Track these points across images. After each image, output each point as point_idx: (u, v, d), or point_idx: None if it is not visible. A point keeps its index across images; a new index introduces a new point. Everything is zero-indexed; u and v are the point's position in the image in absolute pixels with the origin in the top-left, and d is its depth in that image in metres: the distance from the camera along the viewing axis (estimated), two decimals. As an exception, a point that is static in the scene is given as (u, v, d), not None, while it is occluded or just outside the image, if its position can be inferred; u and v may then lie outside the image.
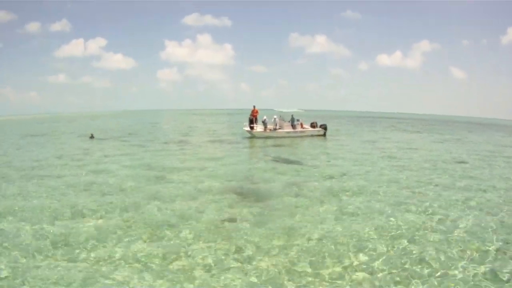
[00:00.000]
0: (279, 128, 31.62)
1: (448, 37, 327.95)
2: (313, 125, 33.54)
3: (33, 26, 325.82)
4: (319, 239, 7.86)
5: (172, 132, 39.65)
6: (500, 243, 7.69)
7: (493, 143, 31.43)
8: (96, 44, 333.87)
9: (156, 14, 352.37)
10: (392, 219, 9.19)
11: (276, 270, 6.51)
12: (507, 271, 6.47)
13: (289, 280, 6.19)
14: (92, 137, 31.18)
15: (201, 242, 7.74)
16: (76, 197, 11.36)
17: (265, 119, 31.63)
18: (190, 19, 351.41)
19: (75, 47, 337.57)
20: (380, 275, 6.38)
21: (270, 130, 31.36)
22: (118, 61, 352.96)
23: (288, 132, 31.47)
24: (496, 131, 50.33)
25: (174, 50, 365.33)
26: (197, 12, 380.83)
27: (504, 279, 6.21)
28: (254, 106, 32.00)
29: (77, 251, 7.31)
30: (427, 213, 9.86)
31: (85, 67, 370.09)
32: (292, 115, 32.74)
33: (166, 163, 17.81)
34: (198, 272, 6.45)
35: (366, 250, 7.33)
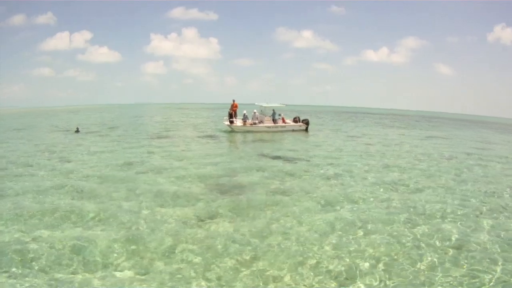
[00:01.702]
0: (260, 123, 31.43)
1: (434, 34, 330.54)
2: (295, 120, 33.52)
3: (18, 19, 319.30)
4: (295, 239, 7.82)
5: (154, 126, 39.24)
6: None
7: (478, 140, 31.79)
8: (82, 37, 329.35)
9: (142, 8, 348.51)
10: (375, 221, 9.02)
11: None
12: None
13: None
14: (77, 131, 30.64)
15: (176, 241, 7.63)
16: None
17: (245, 113, 31.48)
18: (176, 13, 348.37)
19: (60, 40, 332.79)
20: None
21: (250, 124, 31.13)
22: (103, 54, 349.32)
23: (268, 127, 31.40)
24: (482, 128, 50.85)
25: (160, 44, 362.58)
26: (183, 6, 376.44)
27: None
28: (233, 100, 31.90)
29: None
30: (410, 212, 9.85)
31: (70, 61, 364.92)
32: (273, 110, 32.61)
33: (144, 158, 17.74)
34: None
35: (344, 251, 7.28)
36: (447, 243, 7.68)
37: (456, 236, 8.00)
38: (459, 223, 8.94)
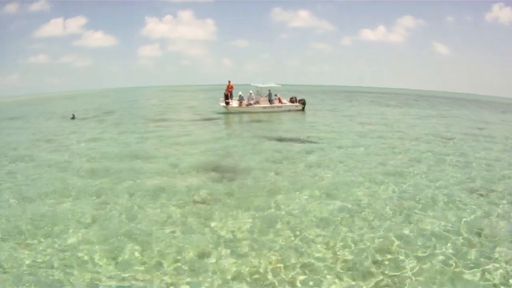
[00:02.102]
0: (256, 103, 31.29)
1: (432, 13, 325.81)
2: (292, 100, 33.31)
3: (11, 7, 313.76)
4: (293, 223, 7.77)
5: (150, 110, 39.10)
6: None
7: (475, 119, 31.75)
8: (76, 23, 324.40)
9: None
10: (368, 197, 9.19)
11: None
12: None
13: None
14: (73, 117, 30.51)
15: (170, 225, 7.72)
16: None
17: (240, 94, 31.33)
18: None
19: (55, 27, 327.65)
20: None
21: (246, 105, 31.02)
22: (98, 39, 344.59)
23: (264, 107, 31.25)
24: (479, 108, 50.58)
25: (155, 27, 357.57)
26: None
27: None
28: (229, 81, 31.66)
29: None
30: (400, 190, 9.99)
31: (65, 47, 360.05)
32: (269, 90, 32.39)
33: (139, 143, 17.78)
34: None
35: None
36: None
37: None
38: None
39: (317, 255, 6.38)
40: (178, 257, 6.33)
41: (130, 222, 7.76)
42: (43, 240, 6.99)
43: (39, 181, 11.01)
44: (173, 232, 7.30)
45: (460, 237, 6.95)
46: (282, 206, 8.62)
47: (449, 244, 6.66)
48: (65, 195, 9.59)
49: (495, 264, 6.01)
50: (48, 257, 6.35)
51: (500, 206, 8.64)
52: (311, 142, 17.15)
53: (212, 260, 6.24)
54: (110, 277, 5.75)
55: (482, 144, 17.25)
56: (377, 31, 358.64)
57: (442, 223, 7.58)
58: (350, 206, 8.60)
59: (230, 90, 31.54)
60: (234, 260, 6.21)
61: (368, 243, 6.74)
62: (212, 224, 7.65)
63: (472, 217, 7.94)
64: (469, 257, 6.22)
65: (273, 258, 6.26)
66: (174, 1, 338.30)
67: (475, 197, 9.28)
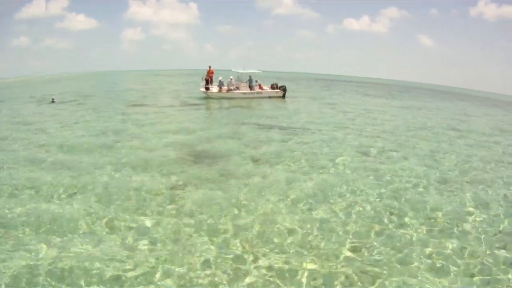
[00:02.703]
0: (236, 89, 31.32)
1: (416, 5, 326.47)
2: (273, 87, 33.44)
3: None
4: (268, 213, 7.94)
5: (130, 94, 38.64)
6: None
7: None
8: (58, 5, 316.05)
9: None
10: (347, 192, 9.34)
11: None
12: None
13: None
14: (53, 101, 29.98)
15: (144, 211, 7.86)
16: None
17: (220, 80, 31.30)
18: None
19: (37, 8, 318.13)
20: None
21: (226, 91, 31.04)
22: (81, 21, 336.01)
23: (244, 93, 31.36)
24: (460, 100, 51.41)
25: (138, 10, 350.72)
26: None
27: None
28: (209, 67, 31.61)
29: None
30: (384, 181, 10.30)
31: (47, 29, 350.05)
32: (250, 76, 32.41)
33: (117, 127, 17.71)
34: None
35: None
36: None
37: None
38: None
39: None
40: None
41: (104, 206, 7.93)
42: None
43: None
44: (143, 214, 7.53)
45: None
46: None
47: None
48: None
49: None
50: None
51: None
52: (288, 128, 17.45)
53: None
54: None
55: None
56: (361, 21, 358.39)
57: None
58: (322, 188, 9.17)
59: (210, 75, 31.48)
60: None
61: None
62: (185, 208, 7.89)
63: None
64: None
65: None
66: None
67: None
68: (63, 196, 8.35)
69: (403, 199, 8.66)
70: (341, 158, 12.07)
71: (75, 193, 8.49)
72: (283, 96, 32.98)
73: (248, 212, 7.68)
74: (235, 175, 10.12)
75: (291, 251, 6.28)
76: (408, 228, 7.21)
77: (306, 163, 11.54)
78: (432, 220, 7.63)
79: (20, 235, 6.50)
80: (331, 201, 8.43)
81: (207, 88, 31.21)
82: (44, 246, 6.09)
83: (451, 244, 6.63)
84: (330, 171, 10.76)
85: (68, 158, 11.40)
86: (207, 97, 31.10)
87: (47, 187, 8.78)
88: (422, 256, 6.22)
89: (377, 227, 7.19)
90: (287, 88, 33.91)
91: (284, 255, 6.13)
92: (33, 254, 5.85)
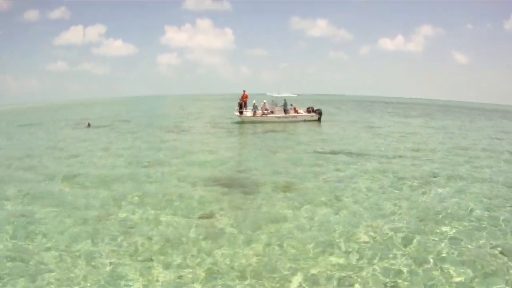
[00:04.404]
0: (270, 113, 30.88)
1: (450, 22, 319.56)
2: (308, 110, 32.73)
3: (31, 14, 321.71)
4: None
5: (165, 119, 39.04)
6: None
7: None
8: (96, 31, 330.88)
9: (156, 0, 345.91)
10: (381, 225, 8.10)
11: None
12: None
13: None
14: (89, 125, 30.73)
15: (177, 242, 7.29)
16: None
17: (254, 103, 31.10)
18: (190, 4, 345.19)
19: (74, 34, 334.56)
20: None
21: (260, 115, 30.63)
22: (118, 47, 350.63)
23: (278, 117, 30.82)
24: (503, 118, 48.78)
25: (174, 35, 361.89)
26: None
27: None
28: (244, 91, 31.69)
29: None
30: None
31: (84, 54, 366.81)
32: (284, 100, 32.02)
33: (154, 152, 17.64)
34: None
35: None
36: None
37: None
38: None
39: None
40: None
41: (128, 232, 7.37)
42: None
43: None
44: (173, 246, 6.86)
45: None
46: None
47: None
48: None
49: None
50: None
51: None
52: (324, 156, 16.33)
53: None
54: None
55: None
56: (396, 40, 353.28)
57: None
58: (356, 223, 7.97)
59: (244, 99, 31.53)
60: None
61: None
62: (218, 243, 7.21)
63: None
64: None
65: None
66: (194, 9, 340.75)
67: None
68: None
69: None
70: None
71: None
72: (319, 120, 32.14)
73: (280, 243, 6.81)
74: (266, 204, 9.41)
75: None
76: None
77: (350, 199, 9.98)
78: None
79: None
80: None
81: (241, 112, 31.10)
82: None
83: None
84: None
85: (92, 191, 11.02)
86: (242, 122, 30.81)
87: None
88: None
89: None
90: (322, 112, 33.12)
91: None
92: None
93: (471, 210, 8.85)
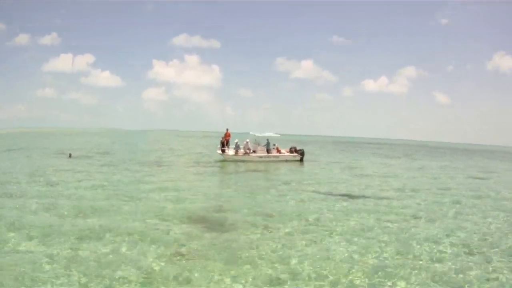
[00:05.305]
0: (253, 152, 31.06)
1: (433, 63, 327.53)
2: (291, 150, 33.05)
3: (22, 38, 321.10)
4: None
5: (148, 153, 38.96)
6: None
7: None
8: (84, 60, 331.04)
9: (145, 34, 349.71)
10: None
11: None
12: None
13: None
14: (70, 156, 30.64)
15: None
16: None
17: (237, 142, 31.25)
18: (179, 40, 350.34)
19: (64, 62, 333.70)
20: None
21: (243, 154, 30.78)
22: (105, 78, 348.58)
23: (261, 157, 31.00)
24: (485, 158, 49.95)
25: (162, 70, 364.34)
26: (186, 32, 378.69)
27: None
28: (227, 129, 32.10)
29: None
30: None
31: (73, 83, 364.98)
32: (267, 139, 32.38)
33: (131, 186, 17.38)
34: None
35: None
36: None
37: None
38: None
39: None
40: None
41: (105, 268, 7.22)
42: None
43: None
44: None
45: None
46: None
47: None
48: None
49: None
50: None
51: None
52: (304, 196, 16.39)
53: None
54: None
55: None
56: (379, 81, 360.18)
57: None
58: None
59: (227, 138, 31.80)
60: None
61: None
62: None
63: None
64: None
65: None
66: (182, 45, 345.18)
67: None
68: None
69: None
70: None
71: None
72: (301, 160, 32.39)
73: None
74: (241, 246, 9.17)
75: None
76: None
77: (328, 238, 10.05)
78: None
79: None
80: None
81: (223, 151, 31.23)
82: None
83: None
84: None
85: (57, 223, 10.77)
86: (224, 160, 30.86)
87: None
88: None
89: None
90: (305, 152, 33.48)
91: None
92: None
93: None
